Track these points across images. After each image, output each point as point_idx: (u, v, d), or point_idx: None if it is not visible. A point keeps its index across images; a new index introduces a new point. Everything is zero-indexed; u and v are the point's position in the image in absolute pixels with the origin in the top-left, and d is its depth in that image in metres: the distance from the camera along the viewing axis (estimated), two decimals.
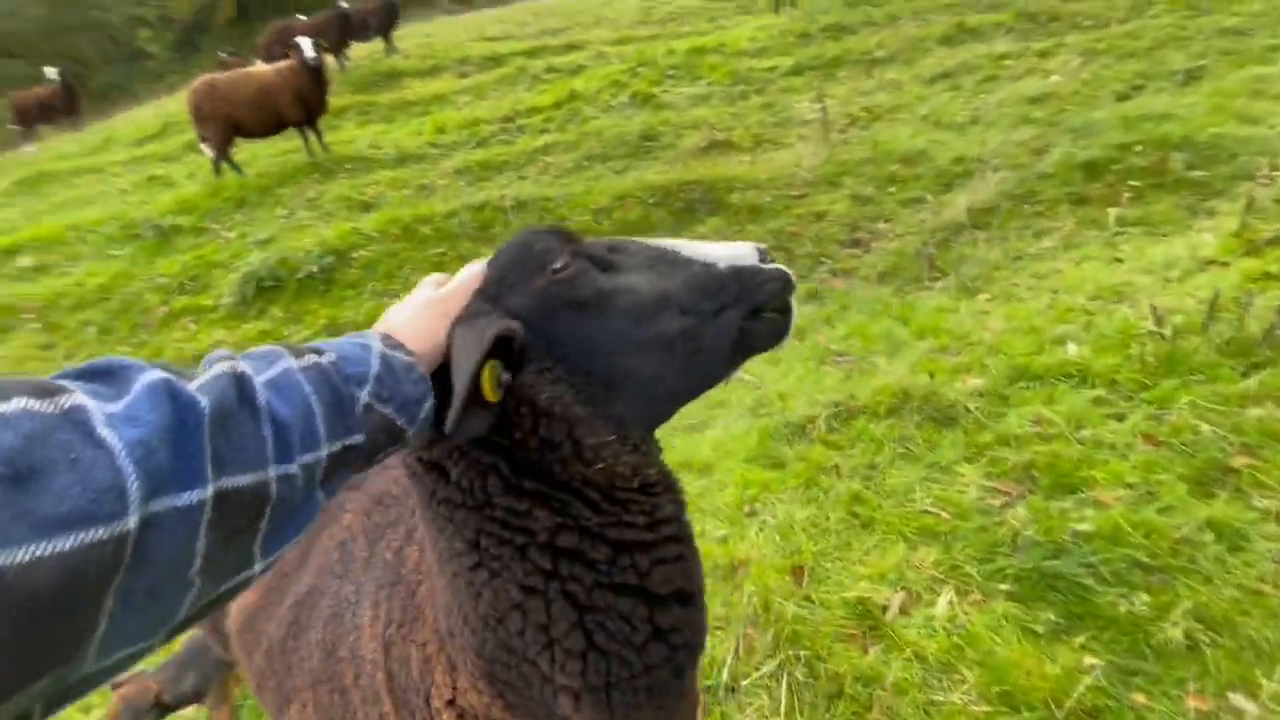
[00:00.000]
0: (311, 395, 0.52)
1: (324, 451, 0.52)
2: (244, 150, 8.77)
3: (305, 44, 7.55)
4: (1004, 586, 1.99)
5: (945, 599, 1.99)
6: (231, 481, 0.42)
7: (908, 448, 2.69)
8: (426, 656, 0.86)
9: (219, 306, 5.55)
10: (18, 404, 0.35)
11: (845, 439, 2.93)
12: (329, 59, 12.56)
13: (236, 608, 1.30)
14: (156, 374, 0.42)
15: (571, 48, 12.00)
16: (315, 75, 7.63)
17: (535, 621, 0.74)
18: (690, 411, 3.55)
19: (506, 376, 0.71)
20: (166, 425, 0.39)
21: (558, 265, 0.77)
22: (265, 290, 5.53)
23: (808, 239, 5.24)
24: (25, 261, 6.82)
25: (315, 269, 5.58)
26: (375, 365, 0.61)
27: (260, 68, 8.17)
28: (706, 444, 3.12)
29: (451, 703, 0.84)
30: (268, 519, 0.46)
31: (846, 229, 5.18)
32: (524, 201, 5.98)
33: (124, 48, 25.90)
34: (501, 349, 0.69)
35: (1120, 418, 2.50)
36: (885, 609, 2.02)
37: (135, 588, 0.36)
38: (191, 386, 0.43)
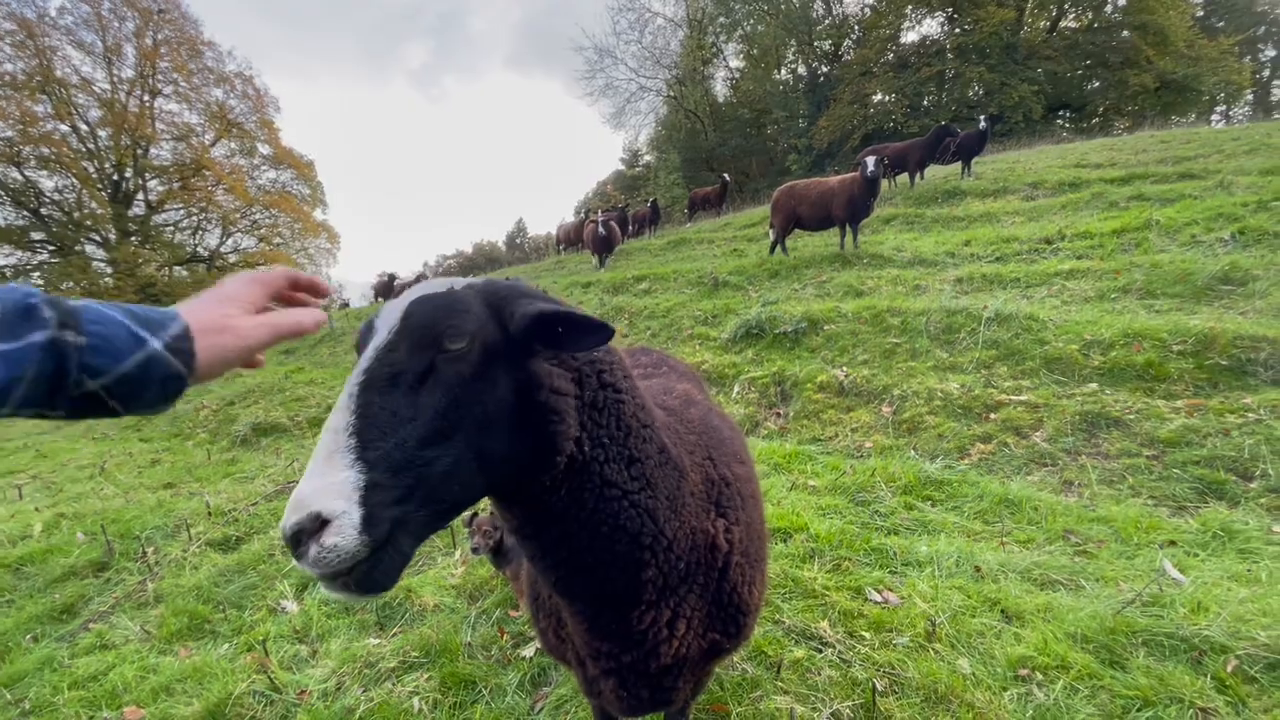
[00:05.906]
0: (32, 368, 0.58)
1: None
2: (799, 239, 10.91)
3: (869, 161, 8.91)
4: None
5: None
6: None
7: None
8: None
9: (718, 339, 7.28)
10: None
11: (1260, 700, 1.96)
12: (903, 176, 14.15)
13: None
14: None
15: (1186, 176, 9.94)
16: (869, 187, 8.89)
17: None
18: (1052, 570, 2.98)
19: None
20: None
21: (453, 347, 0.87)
22: (750, 335, 6.95)
23: None
24: (643, 286, 10.41)
25: (790, 329, 6.67)
26: (128, 366, 0.63)
27: (830, 178, 10.02)
28: (1036, 598, 2.54)
29: None
30: None
31: None
32: (1005, 315, 5.60)
33: (776, 165, 34.79)
34: None
35: None
36: None
37: None
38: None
